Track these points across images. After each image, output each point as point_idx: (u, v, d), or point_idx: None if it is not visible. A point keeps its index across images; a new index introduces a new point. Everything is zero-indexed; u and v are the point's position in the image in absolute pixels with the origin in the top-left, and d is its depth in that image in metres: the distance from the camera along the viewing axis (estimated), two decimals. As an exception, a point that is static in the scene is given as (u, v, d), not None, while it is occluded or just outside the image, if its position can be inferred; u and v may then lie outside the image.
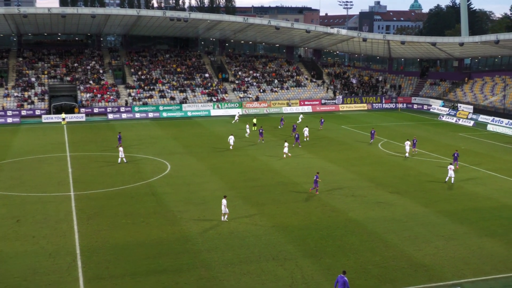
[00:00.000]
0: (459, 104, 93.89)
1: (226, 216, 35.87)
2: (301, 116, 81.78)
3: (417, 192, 43.39)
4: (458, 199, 41.52)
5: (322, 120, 76.44)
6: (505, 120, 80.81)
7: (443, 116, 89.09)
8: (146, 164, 52.68)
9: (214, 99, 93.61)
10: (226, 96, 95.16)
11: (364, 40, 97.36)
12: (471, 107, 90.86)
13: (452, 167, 46.64)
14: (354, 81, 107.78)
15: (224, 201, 35.82)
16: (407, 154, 56.90)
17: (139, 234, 33.48)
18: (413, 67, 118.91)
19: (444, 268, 29.01)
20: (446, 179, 46.54)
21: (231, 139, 60.37)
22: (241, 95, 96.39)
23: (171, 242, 32.19)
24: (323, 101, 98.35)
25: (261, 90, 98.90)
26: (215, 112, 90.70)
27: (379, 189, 43.97)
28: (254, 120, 74.78)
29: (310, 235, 33.36)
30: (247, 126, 69.11)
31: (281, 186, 44.51)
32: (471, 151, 60.21)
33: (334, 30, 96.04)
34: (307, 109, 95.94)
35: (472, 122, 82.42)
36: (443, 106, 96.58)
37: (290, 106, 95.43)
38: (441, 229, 34.64)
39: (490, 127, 77.85)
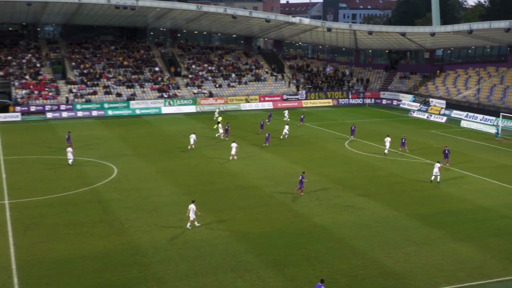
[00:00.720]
0: (430, 99, 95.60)
1: (196, 222, 36.06)
2: (286, 112, 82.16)
3: (387, 194, 44.01)
4: (430, 201, 42.28)
5: (303, 117, 77.88)
6: (480, 116, 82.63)
7: (413, 112, 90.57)
8: (90, 167, 52.03)
9: (165, 95, 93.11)
10: (179, 92, 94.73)
11: (329, 30, 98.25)
12: (444, 102, 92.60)
13: (439, 165, 47.70)
14: (328, 69, 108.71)
15: (192, 206, 35.81)
16: (386, 151, 58.22)
17: (83, 245, 33.09)
18: (382, 59, 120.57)
19: (416, 275, 29.51)
20: (432, 178, 47.64)
21: (192, 138, 60.37)
22: (195, 91, 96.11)
23: (119, 254, 31.90)
24: (285, 97, 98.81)
25: (217, 85, 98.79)
26: (166, 109, 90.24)
27: (347, 192, 44.43)
28: (219, 118, 74.89)
29: (272, 243, 33.49)
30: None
31: (240, 190, 44.55)
32: (443, 150, 61.36)
33: (296, 19, 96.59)
34: (268, 105, 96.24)
35: (444, 118, 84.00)
36: (413, 101, 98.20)
37: (249, 102, 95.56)
38: (413, 233, 35.22)
39: (463, 124, 79.48)
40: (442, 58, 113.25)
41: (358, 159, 56.41)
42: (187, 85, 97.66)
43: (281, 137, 66.45)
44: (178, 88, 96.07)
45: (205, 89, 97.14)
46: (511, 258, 31.60)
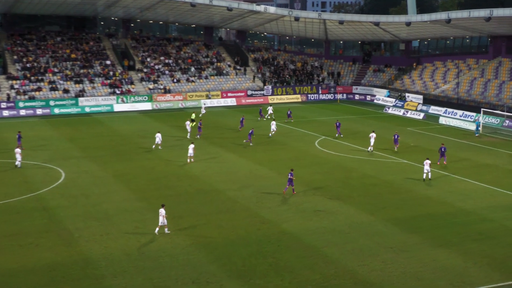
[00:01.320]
0: (407, 94, 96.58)
1: (166, 229, 36.16)
2: (270, 108, 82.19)
3: (361, 197, 44.29)
4: (408, 204, 42.67)
5: (289, 112, 78.66)
6: (459, 112, 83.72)
7: (389, 108, 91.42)
8: (35, 172, 51.36)
9: (117, 92, 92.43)
10: (133, 88, 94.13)
11: (296, 19, 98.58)
12: (421, 97, 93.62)
13: (429, 162, 48.80)
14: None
15: (162, 211, 35.86)
16: (370, 148, 59.51)
17: (28, 258, 32.60)
18: (354, 51, 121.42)
19: (393, 285, 29.70)
20: (424, 177, 48.63)
21: (158, 137, 60.34)
22: (151, 86, 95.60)
23: (68, 267, 31.51)
24: (249, 92, 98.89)
25: (175, 80, 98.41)
26: (119, 107, 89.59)
27: (317, 195, 44.58)
28: (193, 116, 74.66)
29: (237, 253, 33.41)
30: (187, 122, 68.52)
31: (202, 195, 44.42)
32: (421, 148, 62.06)
33: (261, 8, 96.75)
34: (231, 102, 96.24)
35: (422, 115, 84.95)
36: (388, 96, 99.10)
37: (210, 98, 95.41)
38: (389, 240, 35.48)
39: (442, 120, 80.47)
40: (419, 50, 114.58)
41: (330, 159, 56.69)
42: (141, 80, 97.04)
43: (270, 134, 67.74)
44: (131, 83, 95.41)
45: (161, 85, 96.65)
46: (493, 264, 32.03)
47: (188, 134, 67.21)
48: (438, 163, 53.86)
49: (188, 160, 54.71)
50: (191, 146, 55.05)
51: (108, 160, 55.91)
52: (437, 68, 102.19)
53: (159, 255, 32.92)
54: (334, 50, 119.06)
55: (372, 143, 59.80)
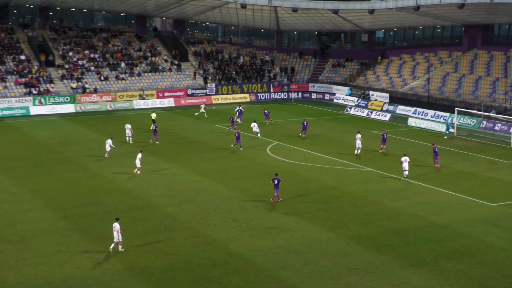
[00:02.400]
0: (371, 92, 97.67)
1: (120, 246, 36.36)
2: (239, 109, 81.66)
3: (321, 212, 44.50)
4: (374, 219, 43.02)
5: (267, 113, 79.67)
6: (431, 112, 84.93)
7: (350, 108, 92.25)
8: None
9: (34, 92, 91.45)
10: (52, 87, 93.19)
11: (243, 6, 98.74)
12: (387, 95, 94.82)
13: (407, 158, 52.06)
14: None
15: (117, 226, 36.17)
16: (358, 151, 61.79)
17: None
18: (310, 43, 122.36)
19: (358, 312, 29.93)
20: (406, 174, 51.74)
21: (108, 144, 60.22)
22: (74, 85, 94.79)
23: (-24, 300, 30.95)
24: (189, 91, 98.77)
25: (102, 78, 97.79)
26: (36, 109, 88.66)
27: (270, 210, 44.66)
28: (153, 115, 74.92)
29: (178, 279, 33.25)
30: (128, 126, 68.30)
31: (135, 212, 44.09)
32: (387, 154, 62.78)
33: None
34: (168, 102, 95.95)
35: (388, 116, 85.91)
36: (350, 95, 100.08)
37: (144, 99, 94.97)
38: (353, 260, 35.71)
39: (411, 121, 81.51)
40: (384, 41, 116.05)
41: (284, 168, 56.85)
42: (62, 78, 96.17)
43: (259, 135, 70.33)
44: (51, 82, 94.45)
45: (86, 83, 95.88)
46: (471, 285, 32.45)
47: (129, 138, 67.22)
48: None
49: (135, 171, 54.32)
50: (139, 156, 54.44)
51: (23, 173, 55.17)
52: (404, 62, 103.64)
53: (85, 284, 32.52)
54: (287, 42, 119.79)
55: (358, 145, 61.77)
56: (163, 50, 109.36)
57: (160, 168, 57.05)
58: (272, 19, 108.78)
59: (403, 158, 52.41)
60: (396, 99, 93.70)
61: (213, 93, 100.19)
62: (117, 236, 36.30)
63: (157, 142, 66.89)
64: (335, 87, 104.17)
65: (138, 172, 54.04)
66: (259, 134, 70.35)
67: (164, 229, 40.70)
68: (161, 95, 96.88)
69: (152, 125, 69.61)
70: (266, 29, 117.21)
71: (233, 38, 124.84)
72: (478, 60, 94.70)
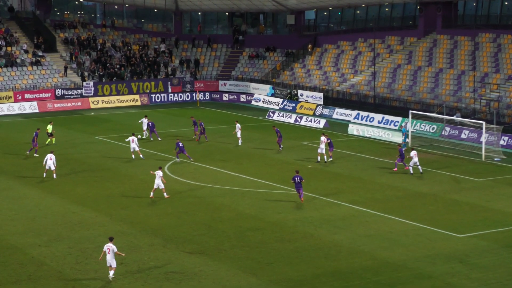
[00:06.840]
0: (300, 92, 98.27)
1: (111, 272, 37.88)
2: (146, 121, 79.49)
3: (237, 249, 44.57)
4: (306, 257, 43.23)
5: (202, 124, 77.74)
6: (377, 116, 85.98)
7: (273, 112, 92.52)
8: None
9: None
10: None
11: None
12: (320, 95, 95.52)
13: (416, 152, 57.08)
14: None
15: (111, 246, 38.18)
16: (329, 158, 64.94)
17: None
18: (219, 27, 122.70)
19: None
20: (420, 170, 56.24)
21: (48, 160, 60.32)
22: None
23: None
24: (59, 93, 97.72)
25: None
26: None
27: (170, 249, 44.51)
28: (49, 128, 74.15)
29: None
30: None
31: (-13, 255, 43.55)
32: (323, 172, 63.33)
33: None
34: (30, 107, 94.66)
35: (322, 122, 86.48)
36: (273, 95, 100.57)
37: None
38: (280, 312, 35.94)
39: (352, 129, 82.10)
40: (316, 25, 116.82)
41: (188, 193, 56.81)
42: None
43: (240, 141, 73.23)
44: None
45: None
46: None
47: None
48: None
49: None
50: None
51: None
52: (343, 52, 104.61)
53: None
54: (190, 27, 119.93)
55: (322, 150, 64.66)
56: (22, 37, 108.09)
57: (20, 195, 56.33)
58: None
59: (412, 153, 55.14)
60: (332, 100, 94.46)
61: (91, 94, 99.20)
62: (110, 260, 37.75)
63: (28, 153, 67.47)
64: (253, 85, 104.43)
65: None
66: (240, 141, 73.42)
67: (27, 278, 40.12)
68: (19, 97, 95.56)
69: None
70: (161, 9, 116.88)
71: (116, 21, 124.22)
72: (438, 47, 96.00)
